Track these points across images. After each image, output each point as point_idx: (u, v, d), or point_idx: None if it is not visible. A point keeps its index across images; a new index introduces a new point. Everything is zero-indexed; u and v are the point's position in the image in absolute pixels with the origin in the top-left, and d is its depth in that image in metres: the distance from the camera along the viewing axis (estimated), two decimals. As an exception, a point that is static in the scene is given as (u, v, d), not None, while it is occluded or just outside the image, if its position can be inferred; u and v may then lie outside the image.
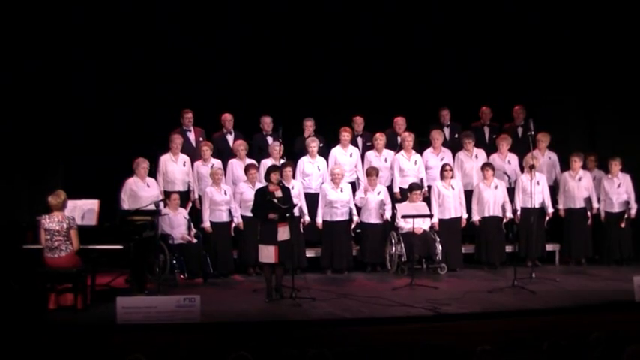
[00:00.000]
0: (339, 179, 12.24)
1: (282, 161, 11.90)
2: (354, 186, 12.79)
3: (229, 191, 12.14)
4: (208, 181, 12.23)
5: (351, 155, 12.86)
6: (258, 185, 11.44)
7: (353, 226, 12.42)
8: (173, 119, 12.83)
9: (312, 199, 12.41)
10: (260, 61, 13.47)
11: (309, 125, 12.99)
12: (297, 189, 11.88)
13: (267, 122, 12.95)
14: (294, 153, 12.91)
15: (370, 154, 12.93)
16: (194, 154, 12.70)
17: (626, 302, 9.68)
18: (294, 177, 12.37)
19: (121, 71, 12.99)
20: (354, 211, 12.35)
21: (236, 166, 12.55)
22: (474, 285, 11.24)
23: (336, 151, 12.83)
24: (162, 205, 11.51)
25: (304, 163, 12.66)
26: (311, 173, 12.64)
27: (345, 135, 12.76)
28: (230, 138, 13.02)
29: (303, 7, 13.30)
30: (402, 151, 12.82)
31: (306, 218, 12.17)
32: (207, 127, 13.07)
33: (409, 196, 12.20)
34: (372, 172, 12.44)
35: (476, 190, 12.57)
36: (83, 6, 12.43)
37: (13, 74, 11.81)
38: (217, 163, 12.52)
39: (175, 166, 12.42)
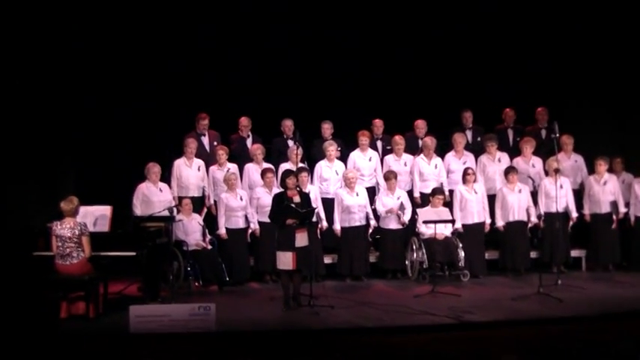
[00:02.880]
0: (353, 183, 12.15)
1: (300, 165, 11.77)
2: (374, 191, 12.72)
3: (245, 196, 12.08)
4: (224, 186, 12.16)
5: (370, 159, 12.83)
6: (276, 190, 11.33)
7: (370, 230, 12.34)
8: (187, 122, 12.81)
9: (330, 204, 12.31)
10: (279, 64, 13.51)
11: (327, 128, 12.96)
12: (313, 194, 11.66)
13: (288, 125, 12.91)
14: (311, 157, 12.90)
15: (389, 158, 12.87)
16: (209, 159, 12.66)
17: (655, 310, 9.69)
18: (311, 182, 12.32)
19: (135, 73, 13.03)
20: (371, 215, 12.27)
21: (253, 170, 12.49)
22: (497, 292, 11.15)
23: (355, 155, 12.79)
24: (175, 210, 11.43)
25: (322, 167, 12.59)
26: (329, 178, 12.58)
27: (364, 139, 12.75)
28: (248, 141, 12.97)
29: (322, 10, 13.36)
30: (422, 155, 12.77)
31: (324, 224, 12.08)
32: (225, 129, 13.04)
33: (431, 200, 12.17)
34: (390, 176, 12.35)
35: (499, 195, 12.45)
36: (90, 4, 12.52)
37: (25, 78, 11.83)
38: (233, 167, 12.45)
39: (190, 171, 12.37)
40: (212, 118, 12.90)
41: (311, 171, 12.47)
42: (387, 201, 12.38)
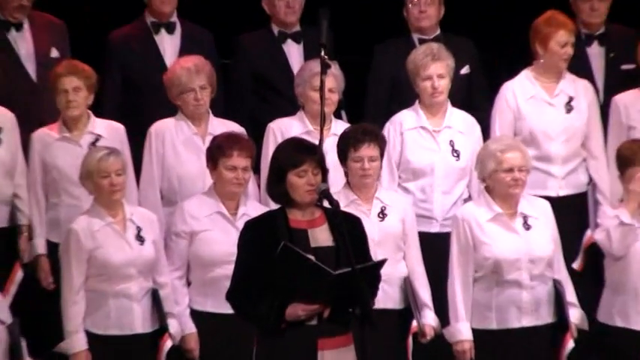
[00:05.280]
0: (517, 187, 10.63)
1: (335, 124, 11.03)
2: (584, 201, 11.58)
3: (154, 228, 10.78)
4: (83, 195, 10.78)
5: (567, 105, 11.57)
6: (256, 209, 10.31)
7: (569, 346, 10.73)
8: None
9: (435, 254, 10.67)
10: None
11: (419, 15, 12.01)
12: (373, 223, 10.25)
13: (281, 3, 12.23)
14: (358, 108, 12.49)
15: (628, 100, 11.62)
16: (33, 105, 11.83)
17: None
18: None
19: None
20: (572, 297, 10.78)
21: (175, 139, 11.46)
22: None
23: (518, 95, 11.49)
24: None
25: (405, 132, 11.37)
26: (428, 166, 11.29)
27: (558, 35, 11.44)
28: (169, 44, 12.42)
29: None
30: None
31: (427, 320, 10.60)
32: (87, 14, 13.14)
33: None
34: (632, 161, 10.93)
35: None
36: None
37: None
38: (113, 131, 11.45)
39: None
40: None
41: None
42: (623, 237, 10.69)
